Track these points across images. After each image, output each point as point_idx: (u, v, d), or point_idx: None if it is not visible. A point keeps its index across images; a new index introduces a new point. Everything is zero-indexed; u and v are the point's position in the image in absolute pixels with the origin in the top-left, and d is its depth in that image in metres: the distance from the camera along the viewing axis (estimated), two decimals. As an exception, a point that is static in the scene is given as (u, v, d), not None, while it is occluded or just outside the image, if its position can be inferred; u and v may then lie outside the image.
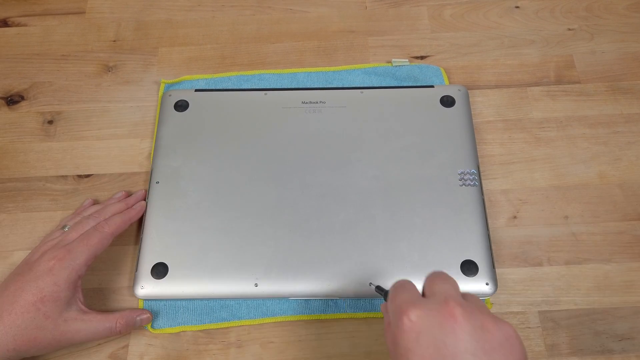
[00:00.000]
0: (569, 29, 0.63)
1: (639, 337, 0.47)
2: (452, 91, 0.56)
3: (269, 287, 0.48)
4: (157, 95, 0.60)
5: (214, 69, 0.62)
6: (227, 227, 0.50)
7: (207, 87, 0.59)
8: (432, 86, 0.57)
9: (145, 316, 0.47)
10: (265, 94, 0.57)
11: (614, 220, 0.52)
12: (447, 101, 0.55)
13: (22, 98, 0.60)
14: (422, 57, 0.62)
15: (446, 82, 0.59)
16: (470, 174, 0.51)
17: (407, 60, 0.61)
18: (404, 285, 0.37)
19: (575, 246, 0.51)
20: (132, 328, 0.47)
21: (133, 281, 0.49)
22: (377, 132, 0.54)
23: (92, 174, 0.56)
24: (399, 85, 0.59)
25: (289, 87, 0.59)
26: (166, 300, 0.49)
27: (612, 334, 0.47)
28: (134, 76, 0.61)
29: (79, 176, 0.56)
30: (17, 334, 0.41)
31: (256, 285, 0.47)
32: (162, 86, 0.60)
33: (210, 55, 0.62)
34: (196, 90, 0.57)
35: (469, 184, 0.51)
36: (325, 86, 0.59)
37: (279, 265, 0.48)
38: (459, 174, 0.51)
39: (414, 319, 0.32)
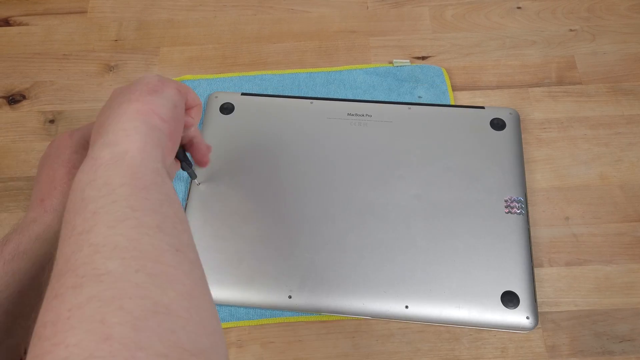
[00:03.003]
0: (571, 30, 0.63)
1: (639, 339, 0.47)
2: (503, 114, 0.55)
3: (302, 300, 0.47)
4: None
5: (216, 68, 0.62)
6: (265, 236, 0.49)
7: (251, 91, 0.59)
8: (482, 107, 0.55)
9: None
10: (312, 102, 0.56)
11: (614, 222, 0.52)
12: (498, 124, 0.54)
13: (24, 97, 0.60)
14: (423, 58, 0.62)
15: (448, 82, 0.59)
16: (517, 202, 0.50)
17: (408, 60, 0.60)
18: None
19: (576, 247, 0.51)
20: None
21: None
22: (423, 150, 0.53)
23: (93, 174, 0.56)
24: (444, 104, 0.57)
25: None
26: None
27: (613, 335, 0.47)
28: (136, 76, 0.61)
29: (80, 176, 0.56)
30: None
31: (290, 297, 0.47)
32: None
33: (211, 55, 0.62)
34: (242, 94, 0.57)
35: (515, 212, 0.50)
36: (373, 99, 0.58)
37: (315, 279, 0.47)
38: (505, 201, 0.50)
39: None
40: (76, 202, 0.29)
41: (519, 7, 0.65)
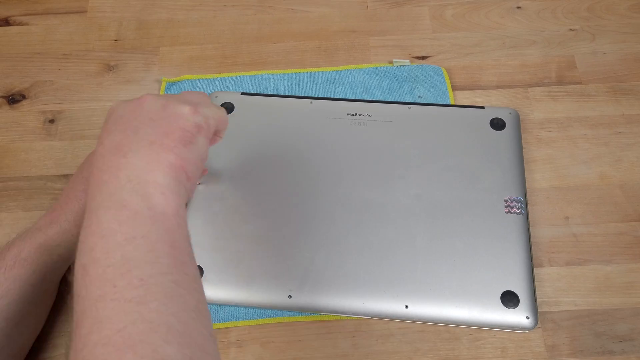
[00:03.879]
0: (571, 30, 0.63)
1: (639, 339, 0.47)
2: (502, 114, 0.54)
3: (302, 299, 0.47)
4: (158, 94, 0.60)
5: (215, 68, 0.62)
6: (265, 236, 0.49)
7: (251, 91, 0.59)
8: (482, 107, 0.55)
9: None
10: (311, 102, 0.56)
11: (614, 221, 0.52)
12: (497, 124, 0.54)
13: (24, 97, 0.60)
14: (423, 57, 0.62)
15: (447, 82, 0.59)
16: (517, 201, 0.50)
17: (408, 60, 0.61)
18: None
19: (575, 247, 0.51)
20: None
21: None
22: (422, 150, 0.53)
23: (93, 173, 0.56)
24: (444, 104, 0.56)
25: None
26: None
27: (613, 335, 0.47)
28: (135, 75, 0.61)
29: (80, 175, 0.56)
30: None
31: (290, 297, 0.47)
32: (164, 85, 0.60)
33: (211, 55, 0.62)
34: (242, 94, 0.57)
35: (515, 212, 0.49)
36: (373, 99, 0.58)
37: (314, 278, 0.47)
38: (505, 201, 0.50)
39: (114, 105, 0.36)
40: (111, 254, 0.28)
41: (518, 7, 0.65)
